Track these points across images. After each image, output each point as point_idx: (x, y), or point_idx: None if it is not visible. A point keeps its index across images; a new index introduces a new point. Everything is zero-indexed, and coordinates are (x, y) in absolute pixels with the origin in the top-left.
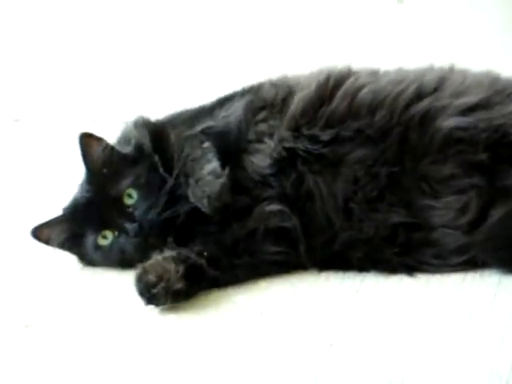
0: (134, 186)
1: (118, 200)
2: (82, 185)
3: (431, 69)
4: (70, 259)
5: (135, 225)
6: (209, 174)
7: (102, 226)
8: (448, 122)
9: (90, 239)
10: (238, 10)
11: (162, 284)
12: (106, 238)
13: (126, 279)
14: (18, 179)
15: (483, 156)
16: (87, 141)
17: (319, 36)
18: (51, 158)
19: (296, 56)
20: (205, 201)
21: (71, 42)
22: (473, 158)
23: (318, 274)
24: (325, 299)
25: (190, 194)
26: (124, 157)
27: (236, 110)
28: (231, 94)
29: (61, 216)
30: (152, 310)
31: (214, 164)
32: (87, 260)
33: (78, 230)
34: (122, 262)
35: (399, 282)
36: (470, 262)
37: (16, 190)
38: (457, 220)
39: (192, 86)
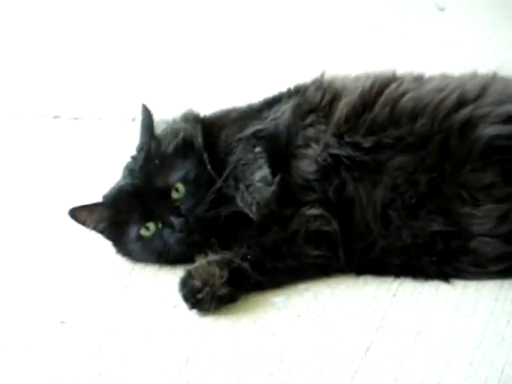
0: (183, 180)
1: (166, 193)
2: (128, 173)
3: (474, 76)
4: (107, 256)
5: (182, 219)
6: (259, 180)
7: (146, 216)
8: (489, 130)
9: (132, 229)
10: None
11: (207, 289)
12: (149, 230)
13: (164, 278)
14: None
15: None
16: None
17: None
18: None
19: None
20: (254, 207)
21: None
22: None
23: (356, 277)
24: (362, 302)
25: (238, 198)
26: (175, 149)
27: (284, 113)
28: (278, 94)
29: (102, 202)
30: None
31: (265, 171)
32: (125, 250)
33: (121, 218)
34: (161, 255)
35: (437, 287)
36: (509, 271)
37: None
38: (497, 228)
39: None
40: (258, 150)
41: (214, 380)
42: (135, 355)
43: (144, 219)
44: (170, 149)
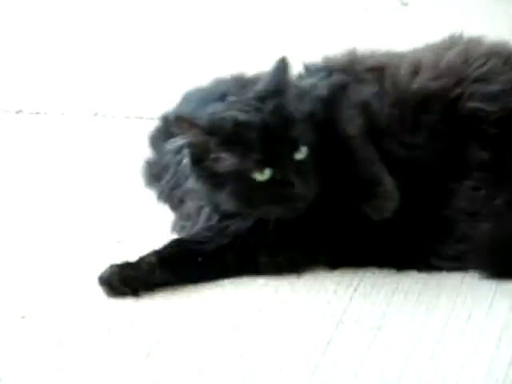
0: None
1: (293, 147)
2: (244, 108)
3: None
4: (68, 252)
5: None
6: (390, 188)
7: (265, 160)
8: None
9: (242, 167)
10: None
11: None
12: (264, 175)
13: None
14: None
15: None
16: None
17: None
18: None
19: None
20: (381, 213)
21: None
22: None
23: (316, 272)
24: (323, 297)
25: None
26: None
27: None
28: None
29: (208, 123)
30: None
31: (389, 178)
32: (210, 182)
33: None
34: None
35: (397, 282)
36: None
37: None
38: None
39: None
40: (371, 147)
41: (175, 374)
42: (95, 350)
43: (263, 162)
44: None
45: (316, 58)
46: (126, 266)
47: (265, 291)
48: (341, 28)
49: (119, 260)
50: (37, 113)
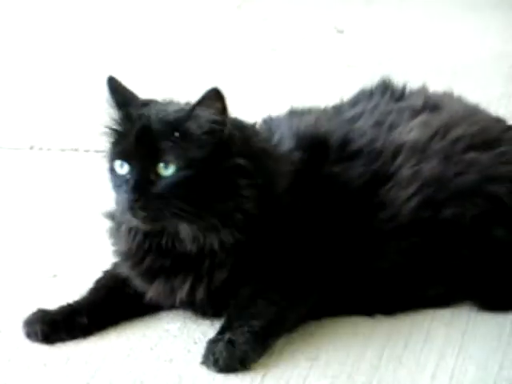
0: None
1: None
2: None
3: None
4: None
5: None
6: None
7: (123, 153)
8: None
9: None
10: None
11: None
12: (122, 169)
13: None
14: None
15: None
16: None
17: None
18: None
19: None
20: None
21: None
22: None
23: None
24: None
25: None
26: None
27: None
28: None
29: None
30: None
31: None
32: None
33: None
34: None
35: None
36: None
37: None
38: None
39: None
40: None
41: None
42: None
43: (121, 155)
44: None
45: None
46: (50, 312)
47: (201, 324)
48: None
49: (54, 294)
50: None
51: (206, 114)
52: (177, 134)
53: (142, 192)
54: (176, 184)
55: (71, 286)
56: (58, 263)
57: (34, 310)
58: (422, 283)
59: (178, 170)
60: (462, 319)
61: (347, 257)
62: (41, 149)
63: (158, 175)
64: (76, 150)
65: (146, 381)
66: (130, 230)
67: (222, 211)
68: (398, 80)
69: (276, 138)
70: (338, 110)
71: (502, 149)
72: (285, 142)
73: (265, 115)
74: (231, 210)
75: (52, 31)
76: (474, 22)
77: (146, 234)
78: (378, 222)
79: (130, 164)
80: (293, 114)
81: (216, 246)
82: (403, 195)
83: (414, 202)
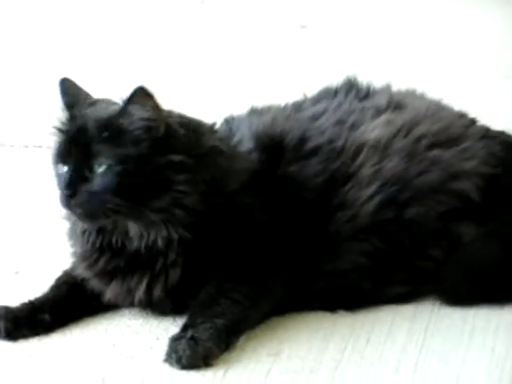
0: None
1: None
2: None
3: None
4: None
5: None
6: None
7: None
8: None
9: None
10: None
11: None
12: (63, 168)
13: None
14: None
15: None
16: None
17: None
18: None
19: None
20: None
21: None
22: None
23: None
24: None
25: None
26: None
27: None
28: None
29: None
30: None
31: None
32: None
33: None
34: None
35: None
36: None
37: None
38: None
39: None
40: None
41: None
42: None
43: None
44: None
45: None
46: (13, 309)
47: (163, 320)
48: (243, 50)
49: (16, 291)
50: None
51: (138, 112)
52: (106, 134)
53: (75, 188)
54: (109, 181)
55: (34, 283)
56: (20, 260)
57: None
58: (386, 282)
59: (111, 166)
60: (424, 314)
61: (306, 257)
62: (3, 145)
63: (93, 172)
64: (39, 146)
65: (108, 377)
66: (84, 230)
67: (159, 207)
68: (365, 78)
69: (236, 138)
70: (298, 107)
71: (466, 144)
72: (244, 142)
73: (227, 115)
74: (168, 205)
75: (15, 28)
76: (449, 10)
77: (98, 234)
78: (336, 222)
79: (65, 163)
80: (253, 113)
81: (160, 242)
82: (363, 195)
83: (374, 202)
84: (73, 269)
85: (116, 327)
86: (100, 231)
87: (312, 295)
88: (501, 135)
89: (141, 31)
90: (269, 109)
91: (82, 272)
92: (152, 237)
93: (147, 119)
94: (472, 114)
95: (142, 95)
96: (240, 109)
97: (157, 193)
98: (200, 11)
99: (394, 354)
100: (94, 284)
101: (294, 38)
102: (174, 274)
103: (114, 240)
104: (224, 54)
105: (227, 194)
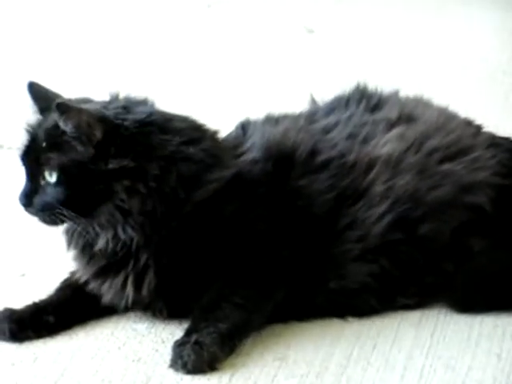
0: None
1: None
2: None
3: None
4: None
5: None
6: None
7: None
8: None
9: None
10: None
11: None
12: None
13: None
14: None
15: None
16: None
17: None
18: None
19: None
20: None
21: None
22: None
23: None
24: None
25: None
26: None
27: None
28: None
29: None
30: None
31: None
32: None
33: None
34: None
35: None
36: None
37: None
38: None
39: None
40: None
41: None
42: None
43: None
44: None
45: None
46: (17, 311)
47: (168, 324)
48: (249, 54)
49: (22, 293)
50: None
51: (68, 123)
52: (51, 142)
53: (29, 198)
54: (58, 189)
55: (39, 285)
56: (26, 262)
57: (2, 308)
58: (393, 299)
59: (60, 175)
60: (431, 320)
61: (310, 270)
62: (1, 146)
63: (45, 181)
64: (1, 147)
65: (113, 380)
66: (67, 230)
67: (106, 212)
68: (371, 81)
69: (247, 144)
70: (311, 117)
71: (475, 154)
72: (253, 150)
73: (243, 119)
74: (113, 210)
75: None
76: (451, 18)
77: (80, 235)
78: (344, 242)
79: (25, 169)
80: (268, 121)
81: (110, 245)
82: (374, 214)
83: (385, 222)
84: (74, 272)
85: (122, 330)
86: (76, 232)
87: (317, 308)
88: (505, 142)
89: (149, 35)
90: (284, 117)
91: (79, 275)
92: (109, 237)
93: (78, 129)
94: (479, 119)
95: (66, 107)
96: (246, 112)
97: (102, 198)
98: (207, 16)
99: (400, 360)
100: (92, 286)
101: (301, 42)
102: (150, 275)
103: (89, 241)
104: (230, 58)
105: (196, 203)
